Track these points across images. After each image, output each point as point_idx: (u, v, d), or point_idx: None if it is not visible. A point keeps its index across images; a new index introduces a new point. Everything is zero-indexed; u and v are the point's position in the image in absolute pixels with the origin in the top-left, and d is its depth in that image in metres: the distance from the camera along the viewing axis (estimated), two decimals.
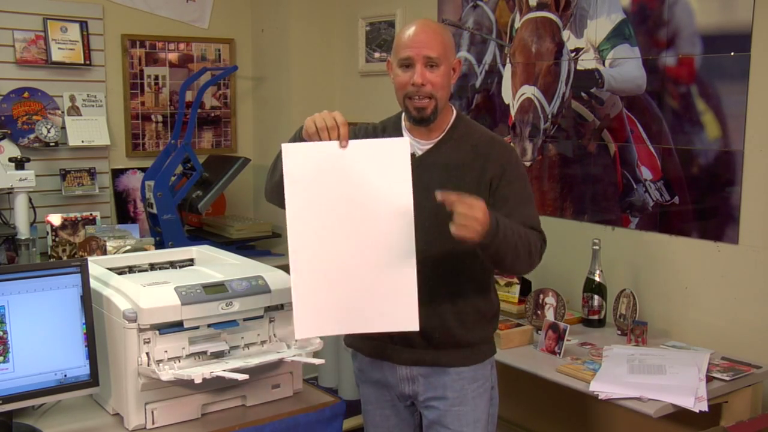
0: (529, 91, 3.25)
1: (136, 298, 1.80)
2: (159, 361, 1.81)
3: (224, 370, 1.77)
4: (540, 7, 3.19)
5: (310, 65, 4.30)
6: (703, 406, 2.17)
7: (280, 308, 1.99)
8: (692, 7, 2.68)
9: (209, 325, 1.88)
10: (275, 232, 4.15)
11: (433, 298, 2.01)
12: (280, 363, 1.97)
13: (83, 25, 3.90)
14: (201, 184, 3.98)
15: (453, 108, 2.10)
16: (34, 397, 1.79)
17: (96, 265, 2.06)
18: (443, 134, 2.05)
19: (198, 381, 1.74)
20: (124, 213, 4.16)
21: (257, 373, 1.90)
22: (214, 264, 2.19)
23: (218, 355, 1.89)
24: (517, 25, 3.29)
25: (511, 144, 3.18)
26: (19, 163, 3.33)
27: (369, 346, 2.13)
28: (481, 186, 1.99)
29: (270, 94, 4.46)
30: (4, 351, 1.74)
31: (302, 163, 1.82)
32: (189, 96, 4.24)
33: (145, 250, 2.79)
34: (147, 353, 1.80)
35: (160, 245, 3.50)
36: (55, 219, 3.78)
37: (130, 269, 2.23)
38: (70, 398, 1.89)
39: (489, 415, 2.13)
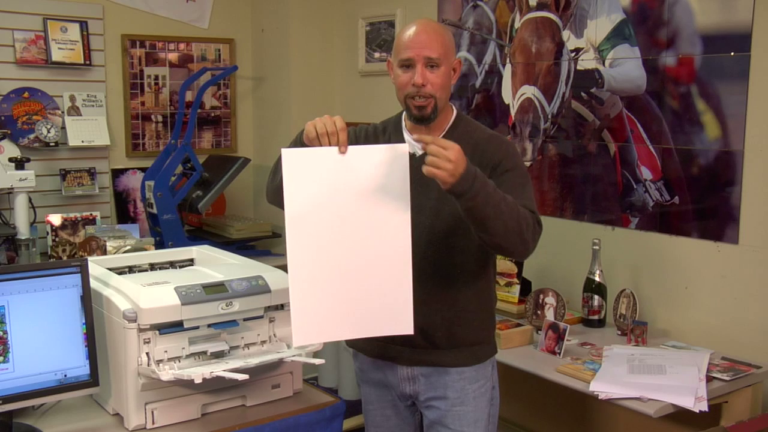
0: (529, 91, 3.25)
1: (136, 298, 1.80)
2: (159, 361, 1.81)
3: (224, 370, 1.77)
4: (540, 7, 3.19)
5: (310, 65, 4.30)
6: (703, 406, 2.17)
7: (280, 308, 1.99)
8: (692, 7, 2.68)
9: (209, 325, 1.88)
10: (275, 232, 4.15)
11: (433, 297, 2.01)
12: (280, 363, 1.97)
13: (83, 25, 3.90)
14: (201, 184, 3.98)
15: (453, 108, 2.10)
16: (34, 397, 1.79)
17: (96, 265, 2.06)
18: (443, 133, 2.05)
19: (198, 381, 1.74)
20: (124, 213, 4.16)
21: (257, 373, 1.90)
22: (214, 264, 2.19)
23: (218, 355, 1.89)
24: (517, 25, 3.29)
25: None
26: (19, 163, 3.33)
27: (370, 346, 2.13)
28: None
29: (270, 94, 4.46)
30: (4, 351, 1.74)
31: (301, 169, 1.82)
32: (189, 96, 4.24)
33: (145, 250, 2.79)
34: (147, 353, 1.80)
35: (160, 245, 3.50)
36: (55, 219, 3.78)
37: (130, 269, 2.23)
38: (70, 398, 1.89)
39: (490, 415, 2.13)
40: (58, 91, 3.89)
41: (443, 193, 1.81)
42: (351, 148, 1.84)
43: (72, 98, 3.92)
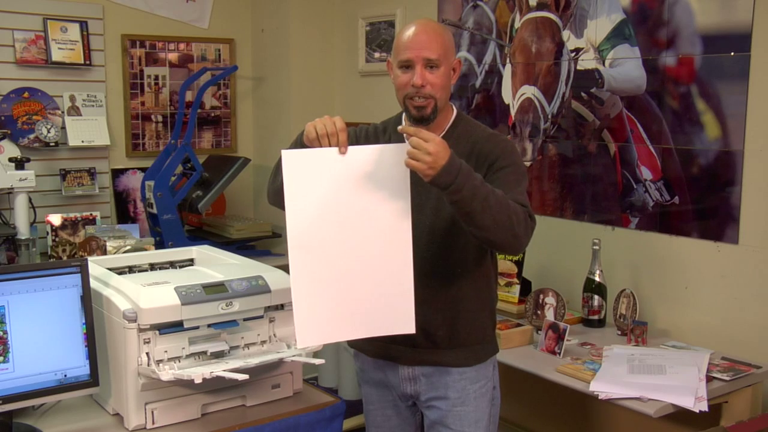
0: (529, 91, 3.25)
1: (136, 298, 1.80)
2: (159, 361, 1.82)
3: (224, 370, 1.77)
4: (540, 7, 3.19)
5: (310, 65, 4.30)
6: (703, 406, 2.17)
7: (280, 308, 1.99)
8: (692, 7, 2.68)
9: (209, 325, 1.88)
10: (275, 232, 4.14)
11: (434, 297, 2.02)
12: (280, 363, 1.98)
13: (83, 25, 3.90)
14: (201, 184, 3.98)
15: (453, 107, 2.10)
16: (34, 397, 1.79)
17: (96, 265, 2.06)
18: (443, 133, 2.05)
19: (198, 381, 1.74)
20: (124, 213, 4.16)
21: (257, 373, 1.90)
22: (214, 264, 2.19)
23: (218, 355, 1.89)
24: (517, 25, 3.29)
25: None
26: (19, 163, 3.33)
27: (371, 346, 2.13)
28: None
29: (270, 94, 4.46)
30: (4, 351, 1.74)
31: (302, 170, 1.81)
32: (189, 96, 4.24)
33: (145, 250, 2.79)
34: (147, 353, 1.80)
35: (160, 245, 3.50)
36: (55, 219, 3.78)
37: (130, 269, 2.23)
38: (70, 398, 1.89)
39: (491, 415, 2.13)
40: (58, 91, 3.89)
41: None
42: (351, 148, 1.84)
43: (72, 98, 3.92)
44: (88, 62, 3.93)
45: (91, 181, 3.96)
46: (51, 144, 3.79)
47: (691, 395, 2.19)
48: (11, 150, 3.64)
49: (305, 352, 1.93)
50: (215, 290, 1.87)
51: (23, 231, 3.30)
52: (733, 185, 2.61)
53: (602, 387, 2.27)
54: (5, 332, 1.75)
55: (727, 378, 2.34)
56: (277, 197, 1.97)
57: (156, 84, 4.24)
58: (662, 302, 2.85)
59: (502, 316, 2.90)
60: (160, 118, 4.28)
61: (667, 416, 2.20)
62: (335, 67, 4.37)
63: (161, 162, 3.91)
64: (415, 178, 1.84)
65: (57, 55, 3.83)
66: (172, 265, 2.30)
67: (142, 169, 4.12)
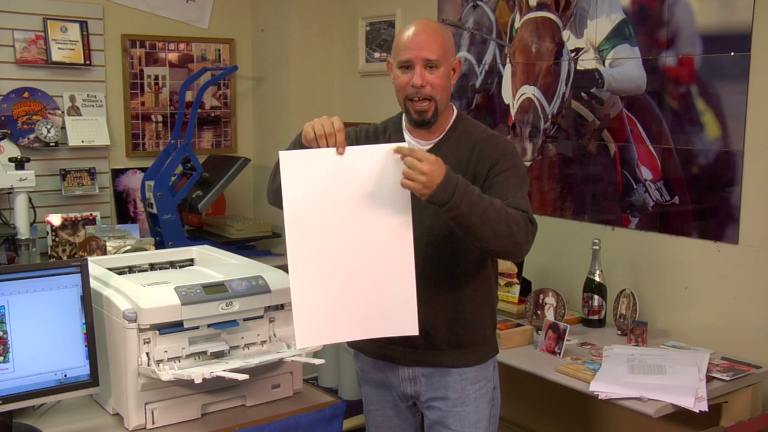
0: (529, 91, 3.25)
1: (136, 298, 1.80)
2: (159, 361, 1.82)
3: (224, 370, 1.77)
4: (540, 7, 3.19)
5: (310, 65, 4.30)
6: (703, 406, 2.17)
7: (280, 308, 1.99)
8: (692, 7, 2.68)
9: (209, 325, 1.88)
10: (275, 232, 4.15)
11: (434, 298, 2.01)
12: (280, 363, 1.98)
13: (83, 25, 3.90)
14: (201, 184, 3.98)
15: (454, 108, 2.10)
16: (34, 397, 1.79)
17: (96, 265, 2.06)
18: (443, 134, 2.05)
19: (198, 381, 1.74)
20: (124, 213, 4.16)
21: (257, 373, 1.90)
22: (214, 264, 2.19)
23: (218, 355, 1.89)
24: (517, 25, 3.29)
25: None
26: (19, 163, 3.33)
27: (371, 346, 2.13)
28: (476, 182, 1.98)
29: (270, 94, 4.46)
30: (4, 351, 1.74)
31: (300, 171, 1.81)
32: (189, 96, 4.24)
33: (145, 250, 2.79)
34: (147, 353, 1.80)
35: (160, 245, 3.50)
36: (55, 219, 3.78)
37: (130, 269, 2.23)
38: (70, 398, 1.89)
39: (491, 415, 2.13)
40: (58, 91, 3.89)
41: None
42: (349, 148, 1.84)
43: (72, 98, 3.92)
44: (88, 62, 3.93)
45: (91, 181, 3.96)
46: (51, 144, 3.79)
47: (691, 395, 2.19)
48: (11, 150, 3.64)
49: (305, 352, 1.93)
50: (215, 290, 1.87)
51: (23, 231, 3.30)
52: (733, 185, 2.61)
53: (602, 387, 2.27)
54: (5, 332, 1.75)
55: (727, 378, 2.34)
56: (276, 197, 1.97)
57: (156, 84, 4.24)
58: (662, 302, 2.85)
59: (502, 316, 2.90)
60: (160, 118, 4.28)
61: (667, 416, 2.20)
62: (335, 67, 4.37)
63: (161, 162, 3.91)
64: None
65: (57, 55, 3.83)
66: (172, 265, 2.30)
67: (142, 169, 4.12)
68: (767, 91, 2.51)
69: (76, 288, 1.83)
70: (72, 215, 3.83)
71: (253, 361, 1.84)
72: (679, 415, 2.24)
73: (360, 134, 2.13)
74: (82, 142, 3.89)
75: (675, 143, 2.77)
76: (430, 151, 2.04)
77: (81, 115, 3.93)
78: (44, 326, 1.79)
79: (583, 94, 3.06)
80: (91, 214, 3.89)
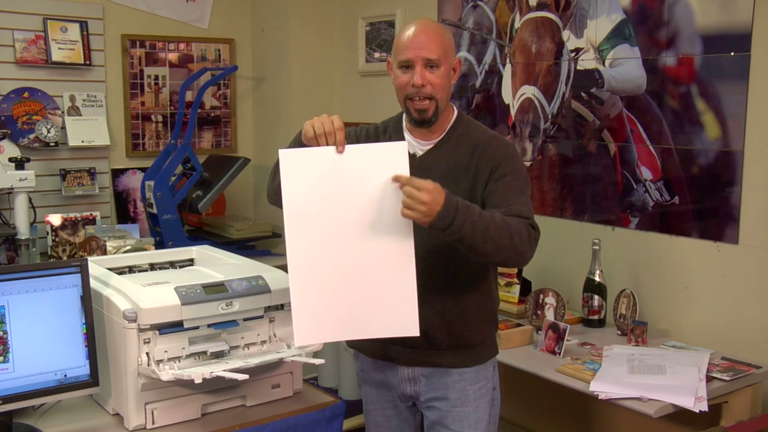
0: (529, 91, 3.25)
1: (136, 298, 1.80)
2: (159, 361, 1.81)
3: (224, 370, 1.77)
4: (540, 7, 3.19)
5: (310, 65, 4.30)
6: (703, 406, 2.17)
7: (280, 308, 1.99)
8: (692, 7, 2.68)
9: (209, 325, 1.88)
10: (275, 232, 4.15)
11: (434, 298, 2.01)
12: (280, 363, 1.97)
13: (83, 25, 3.90)
14: (201, 184, 3.98)
15: (454, 108, 2.10)
16: (34, 397, 1.79)
17: (96, 265, 2.06)
18: (443, 134, 2.05)
19: (198, 381, 1.74)
20: (124, 213, 4.16)
21: (257, 373, 1.90)
22: (214, 264, 2.19)
23: (218, 355, 1.89)
24: (517, 25, 3.29)
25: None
26: (19, 163, 3.33)
27: (371, 346, 2.13)
28: (477, 184, 1.99)
29: (270, 94, 4.46)
30: (4, 351, 1.74)
31: (299, 169, 1.81)
32: (189, 96, 4.24)
33: (145, 250, 2.79)
34: (147, 353, 1.80)
35: (160, 245, 3.50)
36: (55, 219, 3.78)
37: (130, 269, 2.23)
38: (70, 398, 1.89)
39: (491, 416, 2.12)
40: (58, 91, 3.89)
41: None
42: (349, 147, 1.83)
43: (72, 98, 3.92)
44: (88, 62, 3.93)
45: (91, 181, 3.97)
46: (51, 144, 3.79)
47: (691, 395, 2.19)
48: (11, 150, 3.64)
49: (305, 352, 1.93)
50: (215, 290, 1.87)
51: (23, 231, 3.30)
52: (733, 185, 2.61)
53: (602, 387, 2.27)
54: (5, 332, 1.75)
55: (727, 378, 2.34)
56: (276, 196, 1.97)
57: (156, 84, 4.24)
58: (662, 302, 2.85)
59: (502, 316, 2.90)
60: (160, 118, 4.28)
61: (667, 416, 2.20)
62: (335, 67, 4.37)
63: (161, 162, 3.91)
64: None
65: (57, 55, 3.83)
66: (172, 265, 2.30)
67: (142, 169, 4.12)
68: (767, 91, 2.51)
69: (76, 288, 1.83)
70: (72, 215, 3.83)
71: (253, 361, 1.84)
72: (679, 415, 2.24)
73: (360, 134, 2.12)
74: (82, 142, 3.89)
75: (675, 143, 2.77)
76: (430, 151, 2.04)
77: (81, 115, 3.93)
78: (44, 326, 1.79)
79: (583, 94, 3.06)
80: (91, 214, 3.89)
